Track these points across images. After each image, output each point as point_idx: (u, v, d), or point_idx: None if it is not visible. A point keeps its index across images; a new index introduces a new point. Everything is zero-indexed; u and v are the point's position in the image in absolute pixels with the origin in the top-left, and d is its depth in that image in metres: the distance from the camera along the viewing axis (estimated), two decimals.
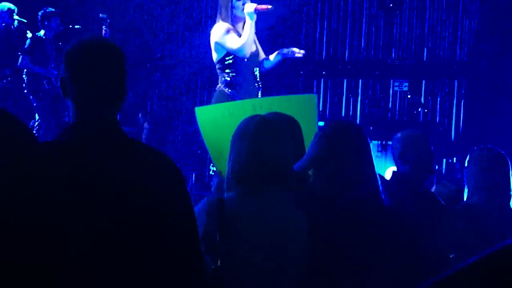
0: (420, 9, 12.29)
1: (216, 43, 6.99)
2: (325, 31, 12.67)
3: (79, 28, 10.91)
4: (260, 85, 7.12)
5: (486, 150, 4.99)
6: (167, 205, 2.69)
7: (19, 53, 10.47)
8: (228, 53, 6.96)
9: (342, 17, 12.58)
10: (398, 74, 11.96)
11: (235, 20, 7.00)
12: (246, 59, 6.99)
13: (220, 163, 4.85)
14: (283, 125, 3.68)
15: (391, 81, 12.11)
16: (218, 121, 5.42)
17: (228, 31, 6.93)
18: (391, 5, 11.59)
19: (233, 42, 6.89)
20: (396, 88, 11.95)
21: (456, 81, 12.18)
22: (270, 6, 6.89)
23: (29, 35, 10.66)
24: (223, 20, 6.99)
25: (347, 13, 12.56)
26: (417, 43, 12.31)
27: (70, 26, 10.88)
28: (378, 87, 12.37)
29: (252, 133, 3.50)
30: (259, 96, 7.08)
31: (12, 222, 2.43)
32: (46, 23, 10.49)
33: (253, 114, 3.66)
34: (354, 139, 3.78)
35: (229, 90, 6.97)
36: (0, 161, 2.41)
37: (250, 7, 6.88)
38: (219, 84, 7.06)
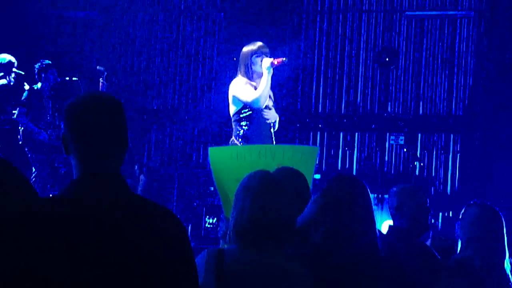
0: (416, 64, 12.39)
1: (234, 96, 7.17)
2: (321, 84, 12.75)
3: (76, 80, 10.96)
4: (274, 141, 7.22)
5: (479, 205, 5.00)
6: (169, 257, 2.69)
7: (16, 106, 10.49)
8: (245, 106, 7.11)
9: (338, 70, 12.68)
10: (394, 127, 12.01)
11: (255, 76, 7.17)
12: (262, 114, 7.12)
13: (226, 207, 4.86)
14: (288, 181, 3.68)
15: (387, 134, 12.14)
16: (226, 163, 5.50)
17: (245, 84, 7.12)
18: (387, 59, 11.68)
19: (248, 94, 7.07)
20: (392, 142, 11.98)
21: (452, 135, 12.23)
22: (284, 58, 7.11)
23: (26, 87, 10.70)
24: (242, 75, 7.16)
25: (344, 66, 12.66)
26: (413, 97, 12.38)
27: (67, 78, 10.92)
28: (374, 140, 12.40)
29: (255, 189, 3.50)
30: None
31: (13, 278, 2.41)
32: (43, 75, 10.54)
33: (258, 170, 3.66)
34: (356, 195, 3.81)
35: (242, 143, 7.06)
36: (3, 215, 2.40)
37: (267, 62, 7.09)
38: (232, 137, 7.18)
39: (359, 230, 3.77)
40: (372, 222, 3.87)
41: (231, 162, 5.38)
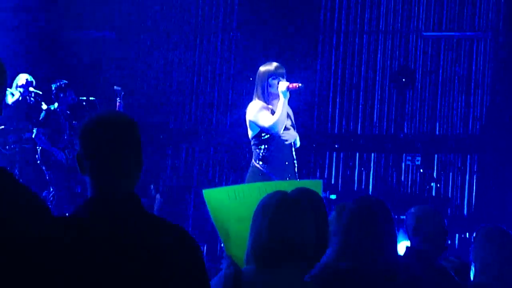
0: (432, 84, 12.37)
1: (251, 121, 7.16)
2: (337, 105, 12.75)
3: (93, 100, 11.00)
4: (296, 161, 7.21)
5: (492, 229, 4.98)
6: (183, 276, 2.68)
7: (34, 125, 10.55)
8: (262, 130, 7.08)
9: (355, 91, 12.68)
10: (411, 148, 11.97)
11: (270, 98, 7.16)
12: (281, 136, 7.11)
13: (228, 245, 4.82)
14: (305, 202, 3.68)
15: (404, 155, 12.11)
16: (224, 203, 5.42)
17: (261, 109, 7.10)
18: (403, 80, 11.67)
19: (266, 119, 7.05)
20: (408, 162, 11.95)
21: (468, 156, 12.18)
22: (300, 84, 7.09)
23: (44, 107, 10.75)
24: (259, 98, 7.16)
25: (360, 87, 12.66)
26: (429, 117, 12.35)
27: (85, 98, 10.96)
28: (390, 161, 12.37)
29: (273, 209, 3.50)
30: (295, 171, 7.15)
31: None
32: (61, 95, 10.57)
33: (276, 191, 3.65)
34: (380, 217, 3.81)
35: (263, 165, 7.05)
36: (17, 233, 2.40)
37: (283, 86, 7.07)
38: (253, 160, 7.16)
39: (380, 252, 3.76)
40: (394, 245, 3.87)
41: (229, 202, 5.32)
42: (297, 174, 7.25)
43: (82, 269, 2.54)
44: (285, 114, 7.09)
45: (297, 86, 7.10)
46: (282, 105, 7.06)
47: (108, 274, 2.57)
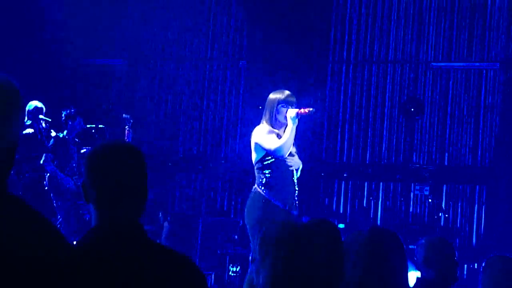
0: (441, 114, 12.38)
1: (256, 144, 7.13)
2: (346, 134, 12.76)
3: (102, 128, 11.03)
4: (297, 188, 7.18)
5: (501, 259, 4.96)
6: None
7: (43, 153, 10.57)
8: (267, 153, 7.06)
9: (363, 120, 12.69)
10: (419, 178, 11.95)
11: (277, 124, 7.15)
12: (286, 161, 7.08)
13: None
14: (320, 234, 3.64)
15: (412, 185, 12.09)
16: None
17: (268, 133, 7.08)
18: (412, 109, 11.69)
19: (272, 143, 7.03)
20: (417, 192, 11.92)
21: (477, 187, 12.16)
22: (311, 109, 7.10)
23: (53, 134, 10.77)
24: (266, 122, 7.15)
25: (369, 116, 12.67)
26: (438, 148, 12.36)
27: (94, 126, 10.99)
28: (398, 190, 12.36)
29: (287, 244, 3.43)
30: (295, 198, 7.13)
31: None
32: (70, 122, 10.60)
33: (286, 220, 3.61)
34: (390, 247, 3.80)
35: (265, 191, 7.03)
36: (31, 259, 2.40)
37: (292, 112, 7.06)
38: (255, 185, 7.13)
39: (392, 284, 3.74)
40: (405, 278, 3.85)
41: None
42: (297, 202, 7.23)
43: None
44: (292, 139, 7.07)
45: (308, 111, 7.09)
46: (290, 130, 7.06)
47: None
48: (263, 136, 7.09)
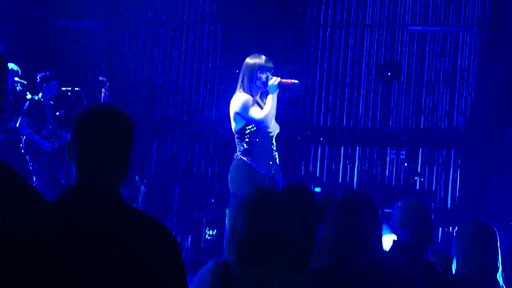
0: (418, 78, 12.42)
1: (237, 113, 7.05)
2: (323, 98, 12.77)
3: (78, 90, 10.96)
4: (276, 155, 7.19)
5: (474, 222, 5.02)
6: (159, 274, 2.68)
7: (18, 115, 10.51)
8: (248, 123, 7.02)
9: (340, 84, 12.70)
10: (395, 142, 12.02)
11: (255, 91, 7.09)
12: (268, 130, 7.07)
13: None
14: (291, 197, 3.67)
15: (388, 149, 12.16)
16: None
17: (250, 103, 7.01)
18: (389, 73, 11.71)
19: (255, 114, 6.99)
20: (393, 156, 11.99)
21: (453, 150, 12.24)
22: (296, 81, 7.06)
23: (28, 96, 10.70)
24: (244, 90, 7.07)
25: (346, 80, 12.69)
26: (414, 112, 12.40)
27: (70, 88, 10.92)
28: (375, 155, 12.42)
29: (253, 204, 3.46)
30: (277, 163, 7.14)
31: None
32: (45, 85, 10.53)
33: (257, 185, 3.62)
34: (363, 209, 3.82)
35: (248, 158, 7.02)
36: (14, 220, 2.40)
37: (274, 81, 7.00)
38: (237, 153, 7.10)
39: (365, 246, 3.78)
40: (379, 238, 3.89)
41: None
42: (279, 166, 7.24)
43: (56, 256, 2.54)
44: (275, 108, 7.03)
45: (292, 82, 7.06)
46: (271, 100, 7.02)
47: (80, 263, 2.56)
48: (244, 107, 7.00)
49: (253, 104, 7.02)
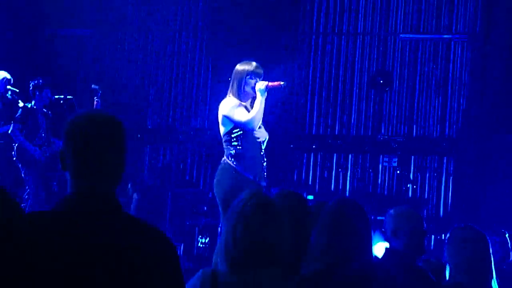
0: (409, 86, 12.44)
1: (225, 117, 7.13)
2: (315, 106, 12.78)
3: (70, 98, 10.96)
4: (265, 159, 7.22)
5: (465, 229, 5.02)
6: (157, 277, 2.67)
7: (11, 122, 10.51)
8: (235, 126, 7.09)
9: (332, 92, 12.72)
10: (387, 149, 12.03)
11: (244, 96, 7.16)
12: (254, 133, 7.11)
13: None
14: (284, 204, 3.68)
15: (380, 156, 12.17)
16: None
17: (237, 106, 7.09)
18: (381, 82, 11.72)
19: (242, 115, 7.06)
20: (385, 164, 12.01)
21: (445, 158, 12.26)
22: (282, 82, 7.13)
23: (21, 104, 10.69)
24: (234, 95, 7.14)
25: (338, 88, 12.70)
26: (406, 119, 12.42)
27: (62, 96, 10.92)
28: (367, 162, 12.43)
29: (247, 212, 3.46)
30: (264, 170, 7.17)
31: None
32: (37, 93, 10.54)
33: (252, 191, 3.62)
34: (351, 217, 3.84)
35: (234, 162, 7.05)
36: None
37: (261, 84, 7.08)
38: (224, 157, 7.14)
39: (355, 253, 3.79)
40: (369, 246, 3.90)
41: None
42: (265, 173, 7.27)
43: (52, 264, 2.54)
44: (262, 112, 7.10)
45: (278, 84, 7.13)
46: (259, 103, 7.08)
47: (78, 271, 2.56)
48: (231, 109, 7.10)
49: (239, 107, 7.09)
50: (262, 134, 7.25)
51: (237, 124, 7.08)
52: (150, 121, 13.30)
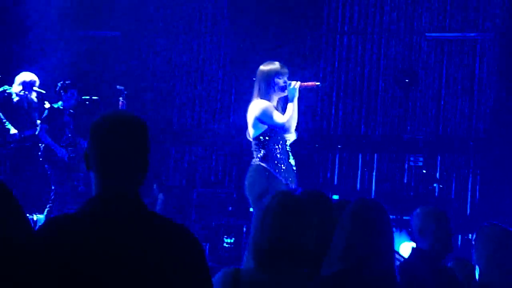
0: (436, 85, 12.37)
1: (257, 119, 7.05)
2: (340, 105, 12.75)
3: (96, 99, 11.02)
4: (293, 162, 7.18)
5: (492, 227, 4.98)
6: (186, 277, 2.68)
7: (38, 123, 10.59)
8: (268, 128, 7.03)
9: (358, 91, 12.67)
10: (413, 149, 11.96)
11: (273, 97, 7.11)
12: (279, 136, 7.07)
13: None
14: (310, 204, 3.68)
15: (406, 156, 12.11)
16: None
17: (269, 107, 7.03)
18: (406, 80, 11.67)
19: (277, 117, 7.00)
20: (411, 163, 11.94)
21: (471, 157, 12.17)
22: (318, 83, 7.08)
23: (47, 105, 10.76)
24: (261, 96, 7.07)
25: (363, 88, 12.65)
26: (432, 118, 12.35)
27: (88, 97, 10.97)
28: (393, 161, 12.37)
29: (276, 210, 3.49)
30: (294, 171, 7.13)
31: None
32: (64, 94, 10.60)
33: (281, 190, 3.65)
34: (376, 219, 3.82)
35: (265, 164, 7.01)
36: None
37: (294, 84, 7.03)
38: (255, 159, 7.09)
39: (376, 255, 3.77)
40: (391, 247, 3.87)
41: None
42: (295, 176, 7.23)
43: (80, 266, 2.55)
44: (296, 113, 7.06)
45: (314, 84, 7.10)
46: (293, 104, 7.04)
47: (105, 272, 2.57)
48: (265, 111, 7.02)
49: (273, 109, 7.04)
50: (292, 136, 7.22)
51: (272, 126, 7.02)
52: (175, 121, 13.33)
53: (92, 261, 2.57)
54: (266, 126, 7.04)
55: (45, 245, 2.53)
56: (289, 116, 7.01)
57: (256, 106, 7.07)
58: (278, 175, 7.01)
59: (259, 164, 7.05)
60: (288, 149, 7.19)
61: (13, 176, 10.80)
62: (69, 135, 10.62)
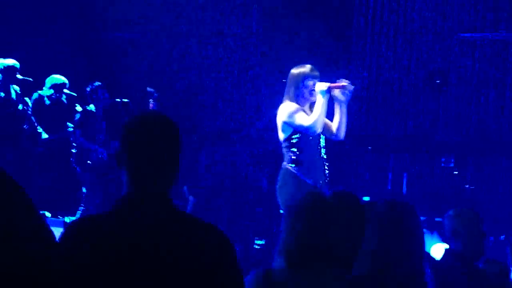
0: (467, 86, 12.29)
1: (285, 122, 7.03)
2: (370, 106, 12.71)
3: (127, 101, 11.07)
4: (326, 164, 7.14)
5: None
6: (216, 275, 2.68)
7: (71, 127, 10.66)
8: (295, 131, 7.00)
9: (388, 92, 12.63)
10: (445, 150, 11.89)
11: (303, 100, 7.07)
12: (311, 138, 7.02)
13: None
14: (341, 205, 3.67)
15: (437, 157, 12.04)
16: None
17: (297, 110, 7.00)
18: (437, 81, 11.61)
19: (303, 120, 6.95)
20: (442, 164, 11.87)
21: (503, 158, 12.09)
22: (345, 82, 7.01)
23: (79, 108, 10.83)
24: (291, 100, 7.05)
25: (394, 88, 12.60)
26: (464, 119, 12.28)
27: (118, 100, 11.03)
28: (424, 163, 12.30)
29: (306, 210, 3.49)
30: (326, 172, 7.09)
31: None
32: (94, 96, 10.66)
33: (311, 191, 3.65)
34: (405, 219, 3.80)
35: (295, 168, 6.98)
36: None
37: (323, 85, 6.96)
38: (284, 162, 7.07)
39: (405, 256, 3.75)
40: (421, 249, 3.85)
41: None
42: (327, 179, 7.20)
43: (110, 265, 2.56)
44: (324, 114, 6.98)
45: (343, 85, 7.02)
46: (320, 105, 6.96)
47: (136, 271, 2.58)
48: (291, 114, 6.99)
49: (299, 111, 7.00)
50: (338, 136, 7.18)
51: (298, 129, 6.98)
52: (206, 123, 13.36)
53: (121, 261, 2.58)
54: (292, 129, 7.01)
55: (72, 247, 2.54)
56: (315, 118, 6.93)
57: (283, 109, 7.06)
58: (307, 179, 6.98)
59: (287, 169, 7.03)
60: (320, 151, 7.14)
61: (43, 178, 10.88)
62: (101, 137, 10.68)
